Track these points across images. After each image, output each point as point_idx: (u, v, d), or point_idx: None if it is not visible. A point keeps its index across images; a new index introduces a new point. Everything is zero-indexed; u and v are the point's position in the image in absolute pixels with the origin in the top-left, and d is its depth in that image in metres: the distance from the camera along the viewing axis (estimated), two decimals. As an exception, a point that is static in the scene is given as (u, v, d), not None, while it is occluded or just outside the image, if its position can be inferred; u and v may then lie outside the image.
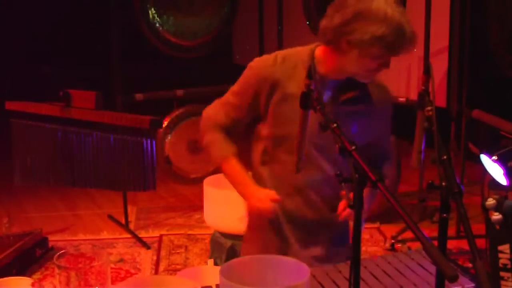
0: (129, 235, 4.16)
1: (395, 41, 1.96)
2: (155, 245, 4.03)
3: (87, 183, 3.62)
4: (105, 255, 1.73)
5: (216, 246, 3.33)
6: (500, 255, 2.44)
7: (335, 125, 1.59)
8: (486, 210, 2.49)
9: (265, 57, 2.21)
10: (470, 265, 3.32)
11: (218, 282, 1.72)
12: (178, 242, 4.07)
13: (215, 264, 2.81)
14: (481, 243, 2.77)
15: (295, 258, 1.87)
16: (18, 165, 3.81)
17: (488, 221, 2.49)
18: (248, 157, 2.32)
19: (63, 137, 3.58)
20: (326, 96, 2.11)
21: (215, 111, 2.26)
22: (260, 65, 2.18)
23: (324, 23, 2.02)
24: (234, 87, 2.24)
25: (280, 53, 2.18)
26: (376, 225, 4.24)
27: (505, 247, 2.43)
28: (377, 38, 1.94)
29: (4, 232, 3.79)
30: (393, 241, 3.89)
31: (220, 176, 3.99)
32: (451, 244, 3.73)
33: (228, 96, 2.25)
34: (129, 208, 4.32)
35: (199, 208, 4.28)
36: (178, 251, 3.93)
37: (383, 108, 2.21)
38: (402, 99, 4.08)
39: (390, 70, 2.03)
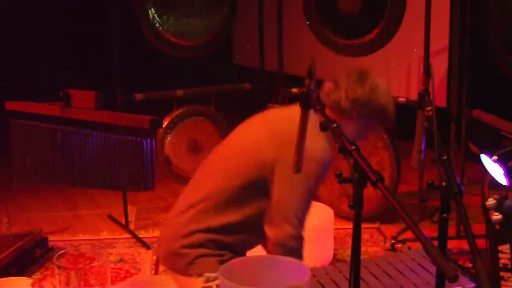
0: (129, 235, 4.15)
1: (391, 114, 2.28)
2: (155, 245, 4.02)
3: (87, 183, 3.62)
4: (105, 255, 1.73)
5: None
6: (500, 255, 2.44)
7: (335, 125, 1.59)
8: (486, 210, 2.50)
9: (326, 149, 2.20)
10: (470, 265, 3.32)
11: (218, 282, 1.72)
12: (178, 242, 4.06)
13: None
14: (481, 243, 2.77)
15: None
16: (18, 165, 3.80)
17: (488, 221, 2.49)
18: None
19: (63, 137, 3.58)
20: None
21: (305, 213, 2.22)
22: (329, 159, 2.20)
23: (337, 95, 2.22)
24: (306, 185, 2.19)
25: (323, 137, 2.17)
26: (376, 225, 4.23)
27: (505, 247, 2.43)
28: (384, 110, 2.24)
29: (4, 232, 3.79)
30: (393, 241, 3.89)
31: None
32: (451, 244, 3.73)
33: (307, 196, 2.22)
34: (129, 208, 4.32)
35: (199, 208, 4.28)
36: (178, 251, 3.93)
37: None
38: (402, 99, 4.07)
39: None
